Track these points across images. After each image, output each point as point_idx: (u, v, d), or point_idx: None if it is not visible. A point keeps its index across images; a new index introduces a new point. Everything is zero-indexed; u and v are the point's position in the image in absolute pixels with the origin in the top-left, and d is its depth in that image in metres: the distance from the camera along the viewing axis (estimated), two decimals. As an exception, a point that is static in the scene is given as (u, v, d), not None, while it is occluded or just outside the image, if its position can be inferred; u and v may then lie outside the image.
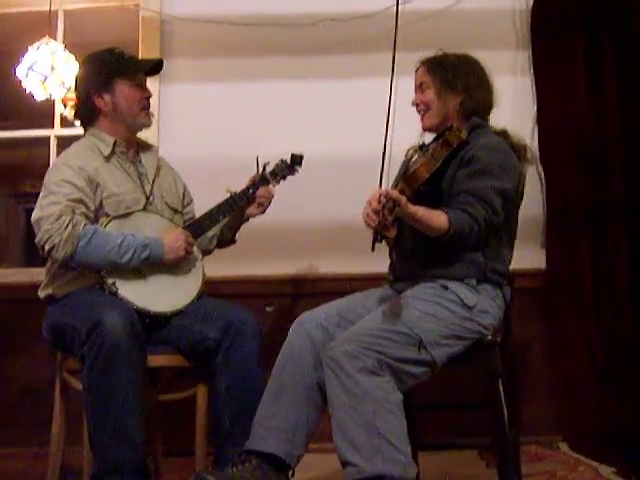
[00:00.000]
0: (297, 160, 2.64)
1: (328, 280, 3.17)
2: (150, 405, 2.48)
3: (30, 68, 3.17)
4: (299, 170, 2.66)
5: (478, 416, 2.40)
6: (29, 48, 3.20)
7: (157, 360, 2.29)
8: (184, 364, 2.33)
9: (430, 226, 2.01)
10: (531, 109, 3.23)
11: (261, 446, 2.06)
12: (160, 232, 2.34)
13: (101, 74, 2.39)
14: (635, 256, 3.02)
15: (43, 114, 3.67)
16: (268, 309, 3.19)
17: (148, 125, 2.48)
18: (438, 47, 2.35)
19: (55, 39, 3.34)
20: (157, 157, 2.57)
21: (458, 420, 2.80)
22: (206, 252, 2.60)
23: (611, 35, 3.13)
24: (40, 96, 3.24)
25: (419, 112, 2.32)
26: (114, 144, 2.40)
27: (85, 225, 2.22)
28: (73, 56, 3.22)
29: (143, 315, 2.22)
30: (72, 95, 2.83)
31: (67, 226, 2.19)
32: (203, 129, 3.32)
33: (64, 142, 2.94)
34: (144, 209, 2.40)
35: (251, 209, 2.57)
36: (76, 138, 2.49)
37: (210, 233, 2.57)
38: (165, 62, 2.58)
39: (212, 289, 2.52)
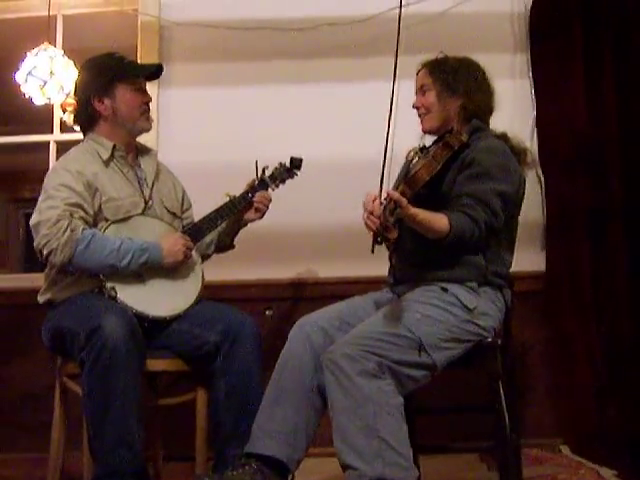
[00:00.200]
0: (296, 164, 2.64)
1: (328, 284, 3.17)
2: (150, 409, 2.48)
3: (29, 73, 3.17)
4: (298, 174, 2.66)
5: (479, 419, 2.40)
6: (28, 53, 3.20)
7: (157, 364, 2.29)
8: (184, 368, 2.32)
9: (431, 228, 2.01)
10: (530, 112, 3.23)
11: (261, 449, 2.06)
12: (159, 236, 2.34)
13: (101, 78, 2.39)
14: (635, 258, 3.01)
15: (42, 119, 3.67)
16: (268, 313, 3.18)
17: (148, 129, 2.48)
18: (437, 50, 2.35)
19: (54, 44, 3.35)
20: (156, 161, 2.57)
21: (459, 423, 2.79)
22: (204, 257, 2.59)
23: (609, 38, 3.14)
24: (39, 101, 3.24)
25: (419, 115, 2.32)
26: (113, 148, 2.40)
27: (83, 229, 2.22)
28: (72, 61, 3.23)
29: (142, 319, 2.21)
30: (71, 100, 2.84)
31: (65, 230, 2.18)
32: (202, 134, 3.32)
33: (63, 147, 2.93)
34: (143, 213, 2.40)
35: (249, 214, 2.57)
36: (75, 143, 2.49)
37: (208, 238, 2.57)
38: (164, 67, 2.58)
39: (212, 293, 2.52)
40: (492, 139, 2.24)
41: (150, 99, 2.48)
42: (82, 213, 2.26)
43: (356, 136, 3.23)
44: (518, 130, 3.14)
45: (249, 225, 2.62)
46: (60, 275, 2.31)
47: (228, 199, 2.51)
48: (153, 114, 2.53)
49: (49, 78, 3.17)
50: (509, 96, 3.19)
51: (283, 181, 2.63)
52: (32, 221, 2.26)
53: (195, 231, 2.45)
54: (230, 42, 3.34)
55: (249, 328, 2.31)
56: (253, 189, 2.56)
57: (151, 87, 2.61)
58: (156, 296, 2.30)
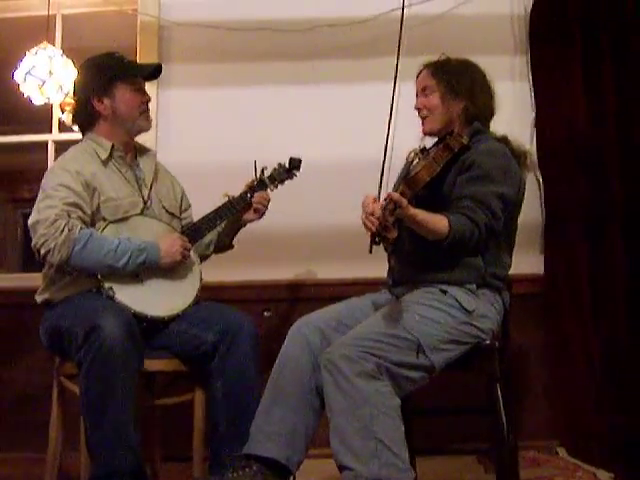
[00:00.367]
0: (295, 164, 2.64)
1: (326, 285, 3.16)
2: (147, 409, 2.48)
3: (28, 73, 3.17)
4: (297, 174, 2.66)
5: (476, 421, 2.40)
6: (27, 53, 3.20)
7: (154, 365, 2.28)
8: (181, 369, 2.32)
9: (430, 229, 2.00)
10: (529, 114, 3.23)
11: (260, 451, 2.06)
12: (157, 237, 2.34)
13: (101, 78, 2.39)
14: (633, 260, 3.02)
15: (41, 119, 3.67)
16: (266, 314, 3.18)
17: (147, 129, 2.48)
18: (436, 52, 2.35)
19: (53, 44, 3.34)
20: (155, 162, 2.57)
21: (456, 425, 2.79)
22: (203, 258, 2.59)
23: (609, 40, 3.14)
24: (38, 101, 3.24)
25: (421, 116, 2.31)
26: (112, 148, 2.40)
27: (81, 229, 2.22)
28: (71, 61, 3.22)
29: (140, 319, 2.21)
30: (70, 100, 2.83)
31: (63, 230, 2.18)
32: (201, 134, 3.32)
33: (62, 147, 2.93)
34: (141, 214, 2.40)
35: (248, 214, 2.57)
36: (74, 143, 2.48)
37: (207, 239, 2.57)
38: (163, 67, 2.57)
39: (210, 294, 2.52)
40: (493, 142, 2.24)
41: (149, 99, 2.48)
42: (80, 213, 2.26)
43: (355, 137, 3.24)
44: (517, 132, 3.14)
45: (248, 226, 2.62)
46: (58, 275, 2.30)
47: (227, 199, 2.51)
48: (152, 114, 2.53)
49: (48, 78, 3.16)
50: (509, 98, 3.18)
51: (282, 182, 2.63)
52: (30, 221, 2.25)
53: (193, 231, 2.45)
54: (229, 43, 3.34)
55: (247, 328, 2.31)
56: (252, 189, 2.56)
57: (150, 87, 2.61)
58: (154, 296, 2.29)
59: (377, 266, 2.45)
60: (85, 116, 2.43)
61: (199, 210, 2.55)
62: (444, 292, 2.11)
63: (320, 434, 2.13)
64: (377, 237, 1.87)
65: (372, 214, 1.91)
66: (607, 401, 2.93)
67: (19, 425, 3.10)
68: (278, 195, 2.63)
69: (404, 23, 3.22)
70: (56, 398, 2.38)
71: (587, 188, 3.10)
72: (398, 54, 3.13)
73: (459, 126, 2.25)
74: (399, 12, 3.23)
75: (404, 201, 1.86)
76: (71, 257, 2.19)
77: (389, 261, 2.34)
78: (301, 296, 3.18)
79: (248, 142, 3.22)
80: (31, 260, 2.37)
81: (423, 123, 2.31)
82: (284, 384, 2.12)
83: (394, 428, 1.92)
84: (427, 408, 2.58)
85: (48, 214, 2.20)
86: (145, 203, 2.42)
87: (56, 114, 3.57)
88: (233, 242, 2.67)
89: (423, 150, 2.33)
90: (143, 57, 3.34)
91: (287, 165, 2.64)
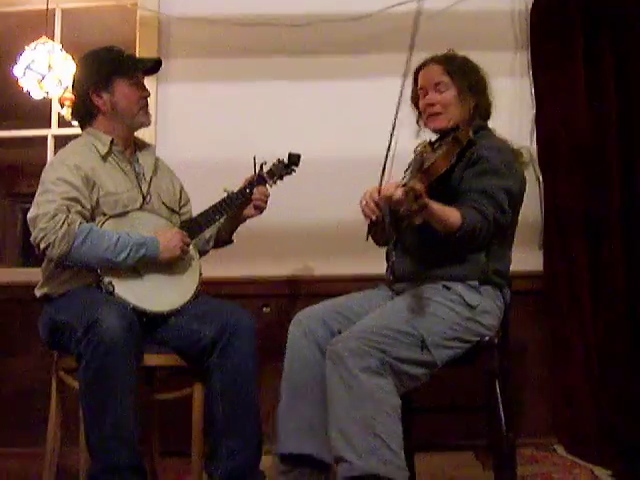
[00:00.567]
0: (294, 160, 2.63)
1: (325, 281, 3.17)
2: (146, 404, 2.47)
3: (27, 67, 3.17)
4: (296, 170, 2.65)
5: (474, 417, 2.41)
6: (26, 47, 3.19)
7: (153, 360, 2.28)
8: (180, 363, 2.32)
9: (444, 220, 1.98)
10: (529, 111, 3.23)
11: (294, 449, 2.08)
12: (156, 231, 2.33)
13: (100, 73, 2.38)
14: (632, 259, 3.02)
15: (40, 114, 3.66)
16: (265, 310, 3.18)
17: (147, 124, 2.47)
18: (437, 48, 2.35)
19: (52, 38, 3.34)
20: (154, 157, 2.56)
21: (455, 422, 2.79)
22: (203, 253, 2.59)
23: (610, 36, 3.13)
24: (37, 95, 3.23)
25: (433, 112, 2.27)
26: (111, 143, 2.39)
27: (80, 224, 2.21)
28: (70, 55, 3.22)
29: (139, 314, 2.21)
30: (69, 94, 2.83)
31: (62, 225, 2.17)
32: (201, 129, 3.31)
33: (61, 142, 2.93)
34: (141, 208, 2.39)
35: (248, 210, 2.57)
36: (73, 138, 2.48)
37: (207, 234, 2.57)
38: (163, 62, 2.56)
39: (209, 289, 2.51)
40: (496, 138, 2.26)
41: (149, 94, 2.47)
42: (79, 207, 2.25)
43: (354, 133, 3.23)
44: (517, 129, 3.16)
45: (247, 222, 2.62)
46: (57, 269, 2.30)
47: (226, 195, 2.51)
48: (151, 109, 2.53)
49: (47, 72, 3.16)
50: (509, 95, 3.19)
51: (281, 177, 2.63)
52: (29, 215, 2.25)
53: (193, 226, 2.44)
54: (229, 38, 3.34)
55: (246, 324, 2.30)
56: (251, 185, 2.55)
57: (150, 82, 2.60)
58: (153, 291, 2.29)
59: (375, 262, 2.45)
60: (84, 111, 2.43)
61: (198, 205, 2.54)
62: (448, 288, 2.11)
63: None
64: (399, 222, 1.84)
65: (392, 199, 1.87)
66: (605, 398, 2.93)
67: (18, 420, 3.11)
68: (277, 191, 2.63)
69: (404, 19, 3.20)
70: (55, 393, 2.38)
71: (587, 185, 3.10)
72: (412, 47, 3.08)
73: (464, 122, 2.24)
74: (399, 8, 3.22)
75: (423, 191, 1.81)
76: (70, 251, 2.19)
77: (389, 257, 2.34)
78: (300, 292, 3.18)
79: (247, 137, 3.22)
80: (30, 255, 2.37)
81: (435, 119, 2.27)
82: (297, 379, 2.13)
83: (394, 427, 1.92)
84: (426, 404, 2.58)
85: (47, 208, 2.20)
86: (144, 198, 2.42)
87: (55, 109, 3.57)
88: (232, 237, 2.67)
89: (432, 143, 2.32)
90: (142, 52, 3.33)
91: (286, 160, 2.63)
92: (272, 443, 2.22)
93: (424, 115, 2.32)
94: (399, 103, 2.96)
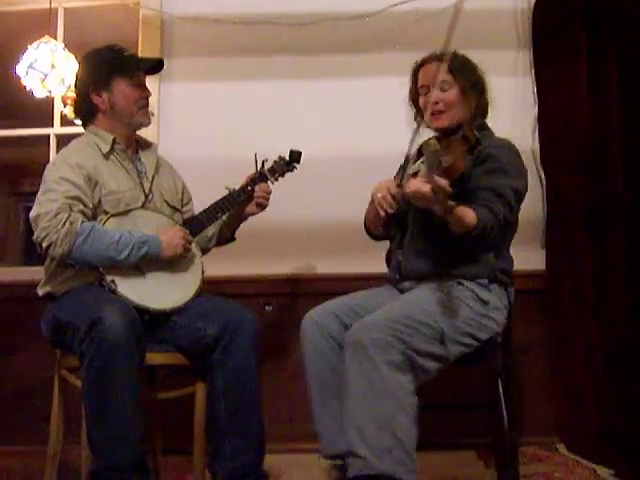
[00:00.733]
0: (295, 157, 2.63)
1: (327, 280, 3.16)
2: (149, 403, 2.47)
3: (30, 66, 3.17)
4: (297, 167, 2.65)
5: (477, 416, 2.40)
6: (29, 46, 3.20)
7: (156, 358, 2.28)
8: (183, 362, 2.32)
9: (462, 220, 1.97)
10: (532, 110, 3.22)
11: (339, 447, 2.07)
12: (159, 229, 2.33)
13: (100, 72, 2.38)
14: (635, 257, 3.01)
15: (43, 112, 3.66)
16: (267, 308, 3.18)
17: (146, 124, 2.47)
18: (438, 47, 2.33)
19: (55, 37, 3.34)
20: (156, 155, 2.57)
21: (457, 420, 2.79)
22: (205, 251, 2.60)
23: (613, 35, 3.13)
24: (40, 94, 3.24)
25: (436, 110, 2.24)
26: (113, 142, 2.40)
27: (82, 222, 2.22)
28: (72, 54, 3.22)
29: (142, 312, 2.21)
30: (72, 93, 2.83)
31: (64, 223, 2.18)
32: (203, 128, 3.31)
33: (64, 140, 2.93)
34: (143, 207, 2.40)
35: (250, 207, 2.57)
36: (76, 136, 2.48)
37: (209, 232, 2.57)
38: (165, 61, 2.57)
39: (211, 288, 2.51)
40: (499, 137, 2.26)
41: (149, 94, 2.46)
42: (82, 206, 2.26)
43: (356, 132, 3.23)
44: (520, 127, 3.16)
45: (249, 220, 2.62)
46: (60, 268, 2.30)
47: (228, 192, 2.51)
48: (154, 108, 2.53)
49: (50, 71, 3.17)
50: (511, 93, 3.19)
51: (282, 174, 2.63)
52: (32, 214, 2.25)
53: (195, 224, 2.45)
54: (232, 37, 3.34)
55: (248, 322, 2.31)
56: (253, 182, 2.55)
57: (152, 81, 2.61)
58: (156, 289, 2.29)
59: (378, 261, 2.45)
60: (85, 109, 2.43)
61: (200, 203, 2.55)
62: (461, 284, 2.12)
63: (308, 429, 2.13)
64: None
65: (417, 195, 1.86)
66: (608, 397, 2.93)
67: (20, 418, 3.11)
68: (279, 190, 2.63)
69: (406, 18, 3.22)
70: (57, 391, 2.38)
71: (589, 183, 3.09)
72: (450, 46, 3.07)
73: (465, 121, 2.24)
74: (401, 7, 3.22)
75: (449, 189, 1.81)
76: (73, 250, 2.19)
77: (393, 256, 2.33)
78: (302, 290, 3.18)
79: (249, 136, 3.22)
80: (33, 253, 2.37)
81: (439, 118, 2.25)
82: (324, 375, 2.14)
83: (411, 427, 1.91)
84: (427, 403, 2.58)
85: (50, 207, 2.20)
86: (147, 196, 2.42)
87: (58, 107, 3.57)
88: (234, 235, 2.67)
89: (440, 140, 2.30)
90: (145, 51, 3.33)
91: (287, 158, 2.63)
92: (273, 443, 2.22)
93: (425, 113, 2.29)
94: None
